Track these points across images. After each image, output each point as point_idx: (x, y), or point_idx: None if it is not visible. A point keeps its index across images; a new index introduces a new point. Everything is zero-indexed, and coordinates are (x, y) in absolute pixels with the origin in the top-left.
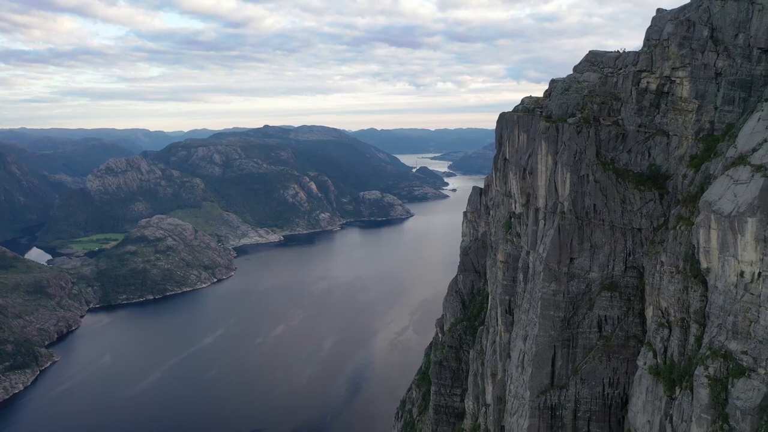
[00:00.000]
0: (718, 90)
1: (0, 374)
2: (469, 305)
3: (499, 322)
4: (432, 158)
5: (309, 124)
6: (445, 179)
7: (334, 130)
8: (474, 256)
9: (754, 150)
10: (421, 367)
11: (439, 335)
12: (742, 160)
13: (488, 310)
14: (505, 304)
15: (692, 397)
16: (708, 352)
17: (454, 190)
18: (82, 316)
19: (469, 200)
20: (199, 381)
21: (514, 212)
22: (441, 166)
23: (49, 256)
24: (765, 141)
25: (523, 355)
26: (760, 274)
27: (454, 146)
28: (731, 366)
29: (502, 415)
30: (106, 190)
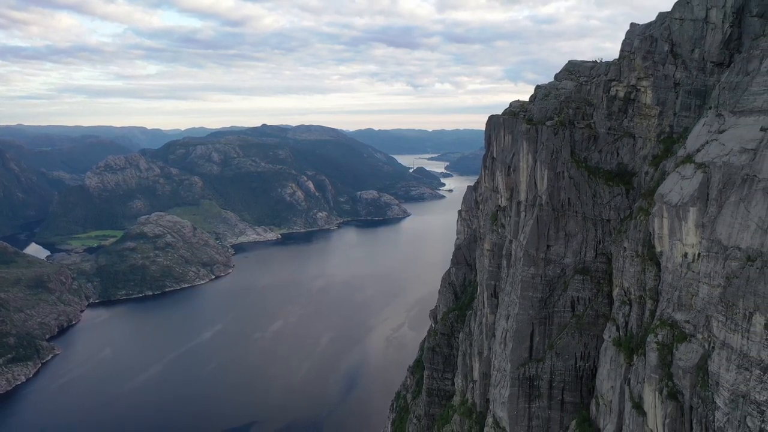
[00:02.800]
0: (676, 98)
1: (2, 366)
2: (461, 296)
3: (486, 305)
4: (429, 159)
5: (307, 124)
6: (442, 180)
7: (332, 129)
8: (466, 250)
9: (698, 150)
10: (417, 359)
11: (433, 324)
12: (688, 158)
13: (477, 296)
14: (490, 289)
15: (645, 362)
16: (658, 323)
17: (450, 190)
18: (82, 311)
19: (463, 199)
20: (197, 375)
21: (499, 206)
22: (438, 167)
23: (47, 252)
24: (707, 143)
25: (506, 333)
26: (699, 254)
27: (451, 147)
28: (676, 333)
29: (487, 389)
30: (105, 187)
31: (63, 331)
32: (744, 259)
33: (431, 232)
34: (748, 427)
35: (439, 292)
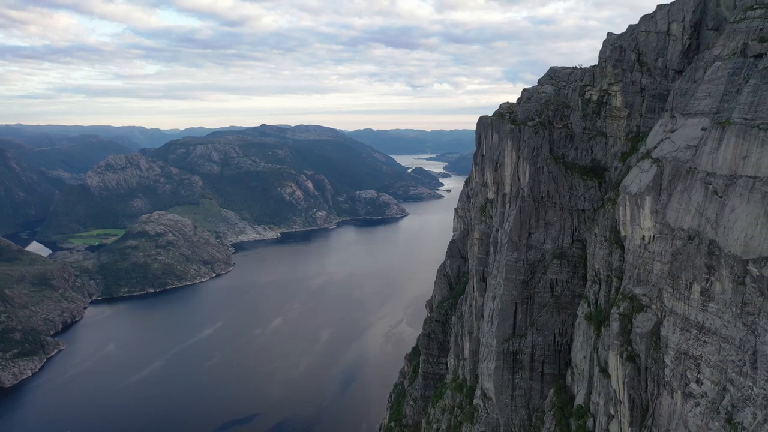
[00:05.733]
0: (643, 101)
1: (9, 360)
2: (455, 286)
3: (475, 288)
4: (428, 159)
5: (306, 124)
6: (440, 180)
7: (331, 129)
8: (460, 244)
9: (655, 147)
10: (414, 347)
11: (429, 313)
12: (647, 154)
13: (468, 281)
14: (479, 274)
15: (609, 331)
16: (621, 297)
17: (448, 190)
18: (85, 308)
19: (459, 197)
20: (199, 369)
21: (488, 198)
22: (436, 167)
23: (49, 251)
24: (662, 141)
25: (492, 312)
26: (653, 236)
27: (449, 147)
28: (635, 305)
29: (477, 365)
30: (105, 186)
31: (67, 327)
32: (686, 239)
33: (429, 231)
34: (687, 378)
35: (435, 283)
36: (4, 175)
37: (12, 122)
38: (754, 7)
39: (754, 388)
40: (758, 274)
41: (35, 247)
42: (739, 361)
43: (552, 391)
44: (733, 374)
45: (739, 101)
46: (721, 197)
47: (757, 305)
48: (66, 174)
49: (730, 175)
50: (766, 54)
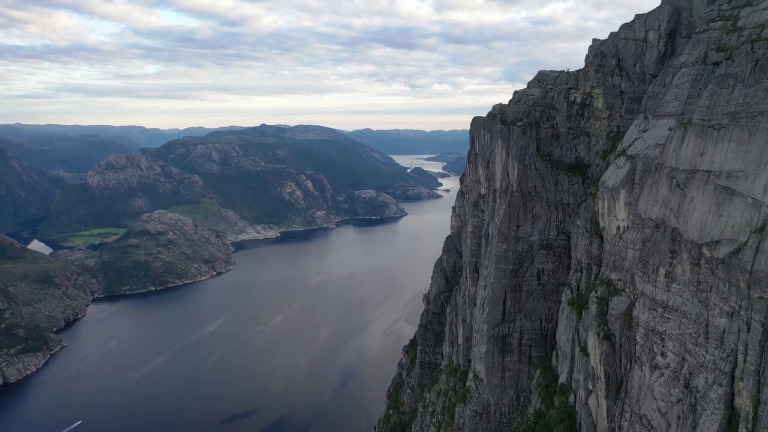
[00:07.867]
0: (622, 103)
1: (13, 356)
2: (451, 280)
3: (468, 278)
4: (427, 159)
5: (305, 124)
6: (439, 180)
7: (330, 129)
8: (456, 239)
9: (630, 145)
10: (411, 339)
11: (426, 306)
12: (623, 152)
13: (462, 272)
14: (472, 264)
15: (588, 313)
16: (599, 282)
17: (447, 190)
18: (87, 305)
19: (457, 196)
20: (200, 366)
21: (480, 194)
22: (436, 167)
23: (50, 250)
24: (636, 140)
25: (483, 299)
26: (627, 227)
27: (449, 147)
28: (611, 289)
29: (470, 350)
30: (106, 186)
31: (69, 324)
32: (653, 227)
33: (428, 230)
34: (654, 352)
35: (432, 277)
36: (5, 175)
37: (11, 122)
38: (716, 19)
39: (707, 356)
40: (710, 255)
41: (36, 246)
42: (695, 333)
43: (538, 372)
44: (691, 345)
45: (699, 104)
46: (682, 189)
47: (709, 283)
48: (66, 173)
49: (690, 170)
50: (722, 62)
